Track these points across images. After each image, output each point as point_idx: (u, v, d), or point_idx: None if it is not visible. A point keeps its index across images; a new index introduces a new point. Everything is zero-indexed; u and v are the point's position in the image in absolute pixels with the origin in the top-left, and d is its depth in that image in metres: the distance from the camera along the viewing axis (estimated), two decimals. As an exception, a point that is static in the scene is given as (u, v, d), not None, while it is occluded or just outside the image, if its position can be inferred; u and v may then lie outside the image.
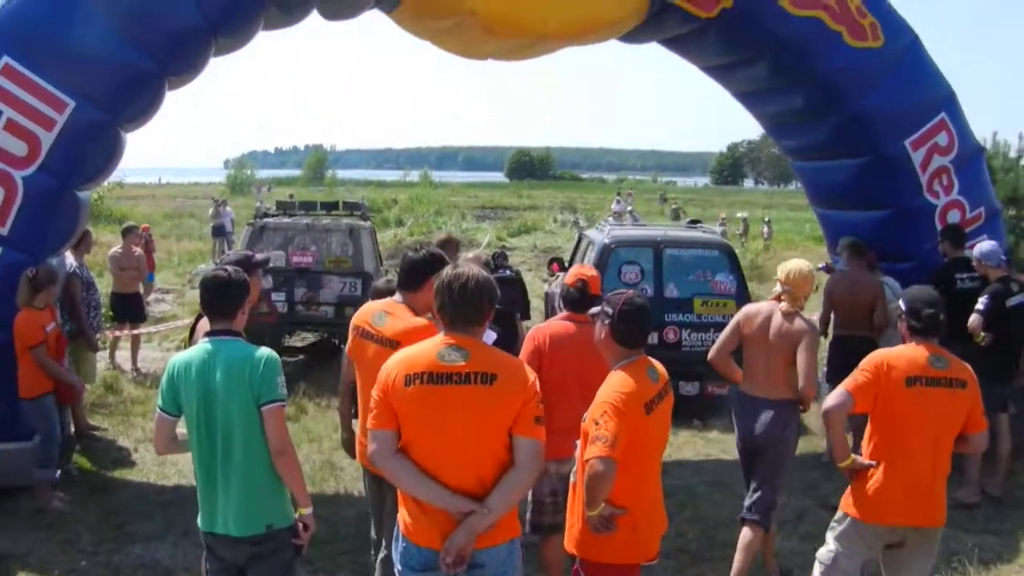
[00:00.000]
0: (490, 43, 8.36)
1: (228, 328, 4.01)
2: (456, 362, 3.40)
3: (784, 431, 5.57)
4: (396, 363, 3.48)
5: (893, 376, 4.34)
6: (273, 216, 12.56)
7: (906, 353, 4.41)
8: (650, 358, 3.98)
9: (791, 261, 5.85)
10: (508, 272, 7.93)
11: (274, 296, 11.43)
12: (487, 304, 3.51)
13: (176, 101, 7.38)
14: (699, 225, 11.72)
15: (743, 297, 9.58)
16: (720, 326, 7.52)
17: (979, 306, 7.35)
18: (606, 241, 10.15)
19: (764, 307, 5.76)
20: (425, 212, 41.73)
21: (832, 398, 4.46)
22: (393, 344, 4.37)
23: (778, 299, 5.71)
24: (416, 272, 4.69)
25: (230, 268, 4.13)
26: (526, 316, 6.71)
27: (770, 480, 5.62)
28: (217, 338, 3.98)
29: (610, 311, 3.96)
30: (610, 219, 12.85)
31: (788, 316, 5.59)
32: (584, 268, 5.50)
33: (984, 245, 7.85)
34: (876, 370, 4.38)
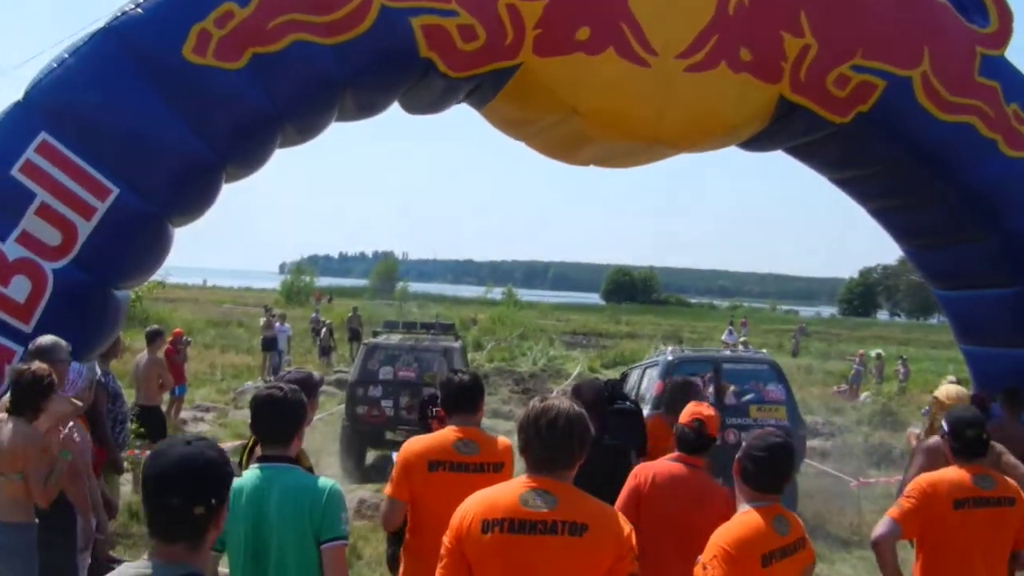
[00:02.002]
0: (592, 146, 8.42)
1: (283, 454, 4.00)
2: (541, 508, 3.39)
3: None
4: (472, 505, 3.49)
5: (939, 500, 4.71)
6: (382, 334, 17.72)
7: (950, 475, 4.80)
8: (785, 509, 4.04)
9: (950, 386, 5.83)
10: (626, 404, 7.84)
11: (383, 403, 15.75)
12: (578, 444, 3.49)
13: (231, 195, 7.48)
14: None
15: (791, 404, 12.42)
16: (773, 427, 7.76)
17: None
18: (669, 358, 12.95)
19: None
20: (508, 336, 41.82)
21: (879, 527, 4.78)
22: (498, 467, 4.88)
23: (931, 429, 5.73)
24: (476, 393, 5.11)
25: (286, 387, 4.14)
26: (643, 453, 6.62)
27: None
28: (271, 464, 3.96)
29: (742, 446, 4.10)
30: (669, 349, 14.58)
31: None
32: (701, 406, 5.51)
33: None
34: (922, 495, 4.74)
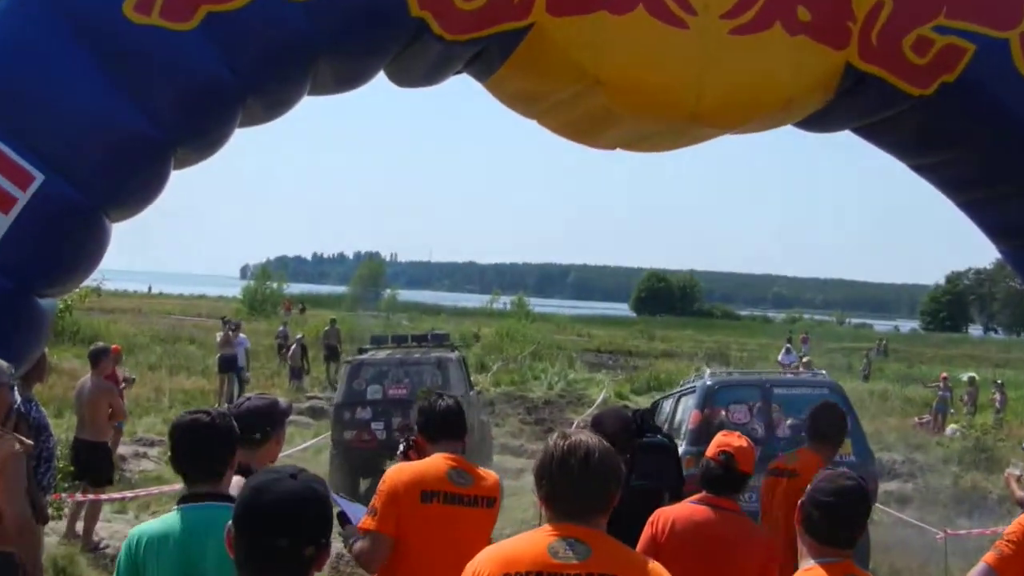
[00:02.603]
0: (618, 125, 8.42)
1: (215, 491, 4.00)
2: (572, 560, 3.45)
3: None
4: (488, 560, 3.57)
5: None
6: (369, 351, 18.83)
7: None
8: (857, 567, 4.03)
9: None
10: (656, 437, 7.80)
11: (373, 425, 16.94)
12: (615, 484, 3.59)
13: (182, 183, 7.50)
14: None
15: (859, 437, 12.23)
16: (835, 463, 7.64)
17: None
18: (708, 383, 13.14)
19: None
20: (519, 354, 41.81)
21: (973, 574, 4.93)
22: (491, 502, 5.28)
23: None
24: (462, 417, 5.49)
25: (213, 411, 4.18)
26: (678, 496, 6.61)
27: None
28: (202, 505, 3.96)
29: (807, 490, 4.11)
30: (708, 372, 14.80)
31: None
32: (731, 436, 5.58)
33: None
34: (1023, 539, 4.88)
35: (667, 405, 14.89)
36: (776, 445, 11.69)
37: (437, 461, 5.23)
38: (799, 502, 4.12)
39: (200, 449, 4.04)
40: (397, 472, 5.23)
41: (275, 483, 2.77)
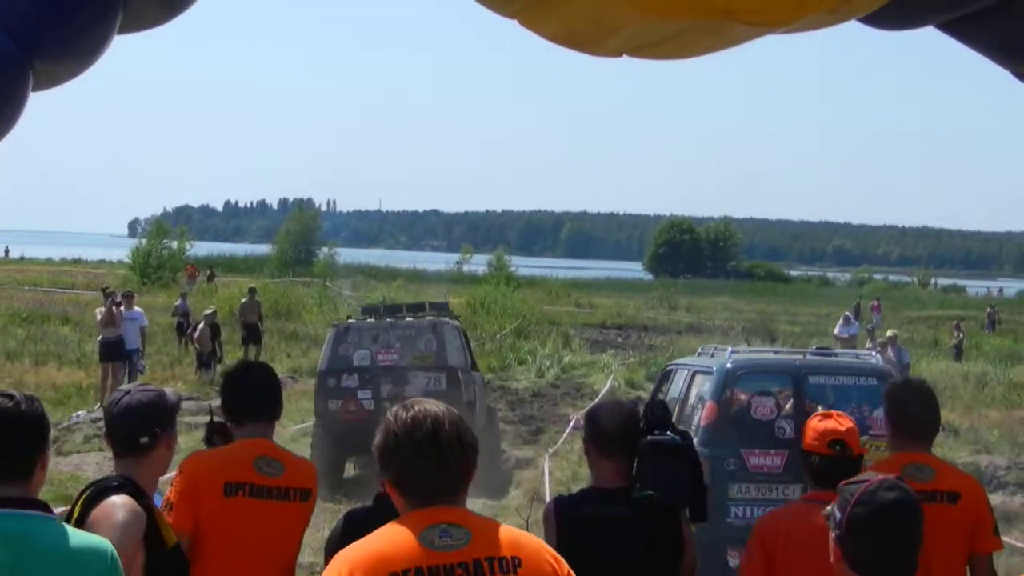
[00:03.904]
0: (627, 22, 8.41)
1: (23, 496, 4.06)
2: (451, 548, 3.79)
3: None
4: (354, 562, 3.79)
5: None
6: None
7: None
8: None
9: None
10: (668, 434, 7.79)
11: (360, 395, 19.90)
12: (474, 455, 4.00)
13: (45, 110, 7.46)
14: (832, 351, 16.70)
15: None
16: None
17: None
18: (728, 366, 13.54)
19: None
20: (499, 331, 41.82)
21: None
22: (305, 495, 5.86)
23: None
24: (276, 393, 6.00)
25: (18, 395, 4.22)
26: (701, 516, 6.60)
27: None
28: (9, 512, 4.00)
29: (839, 514, 4.17)
30: (729, 350, 14.89)
31: None
32: (828, 418, 5.87)
33: None
34: None
35: (679, 379, 15.15)
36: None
37: (243, 447, 5.72)
38: (833, 522, 4.21)
39: (5, 442, 4.07)
40: (198, 460, 5.70)
41: None
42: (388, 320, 21.38)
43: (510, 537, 3.90)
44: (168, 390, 5.35)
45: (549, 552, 3.97)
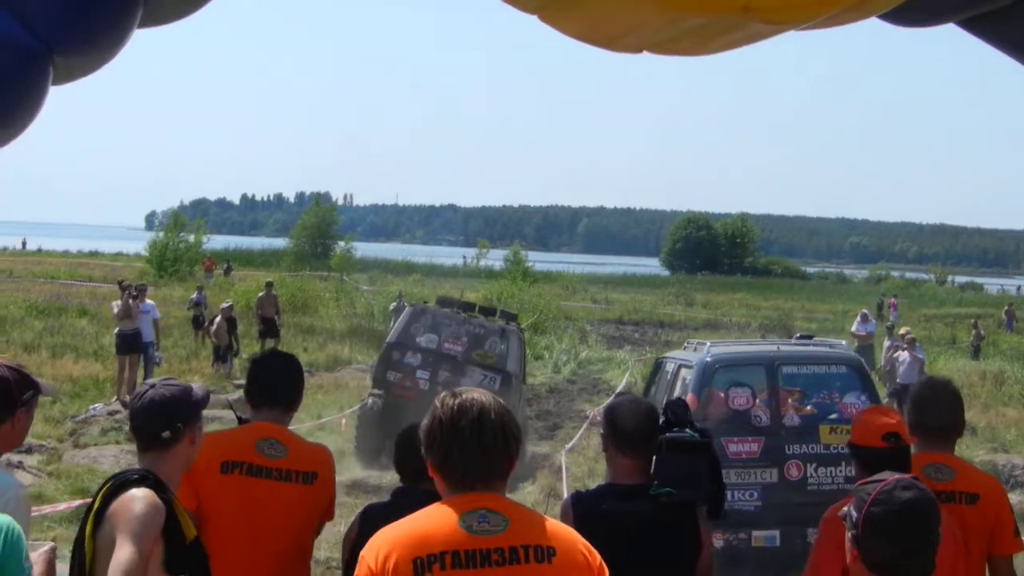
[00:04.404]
0: (647, 19, 8.40)
1: None
2: (491, 533, 3.97)
3: None
4: (390, 541, 4.01)
5: None
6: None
7: None
8: None
9: None
10: (686, 431, 7.76)
11: (419, 373, 21.44)
12: (516, 444, 4.18)
13: (67, 105, 7.45)
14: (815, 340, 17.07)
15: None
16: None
17: None
18: (707, 359, 14.47)
19: None
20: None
21: None
22: (310, 478, 5.96)
23: None
24: (295, 383, 6.19)
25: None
26: (717, 514, 6.49)
27: None
28: None
29: (855, 514, 4.21)
30: (708, 344, 15.26)
31: None
32: (876, 414, 6.21)
33: None
34: None
35: (667, 369, 16.10)
36: (783, 435, 13.73)
37: (248, 429, 5.98)
38: (848, 520, 4.26)
39: None
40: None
41: None
42: (462, 314, 22.88)
43: (547, 527, 4.05)
44: (196, 385, 5.33)
45: (583, 543, 4.10)
